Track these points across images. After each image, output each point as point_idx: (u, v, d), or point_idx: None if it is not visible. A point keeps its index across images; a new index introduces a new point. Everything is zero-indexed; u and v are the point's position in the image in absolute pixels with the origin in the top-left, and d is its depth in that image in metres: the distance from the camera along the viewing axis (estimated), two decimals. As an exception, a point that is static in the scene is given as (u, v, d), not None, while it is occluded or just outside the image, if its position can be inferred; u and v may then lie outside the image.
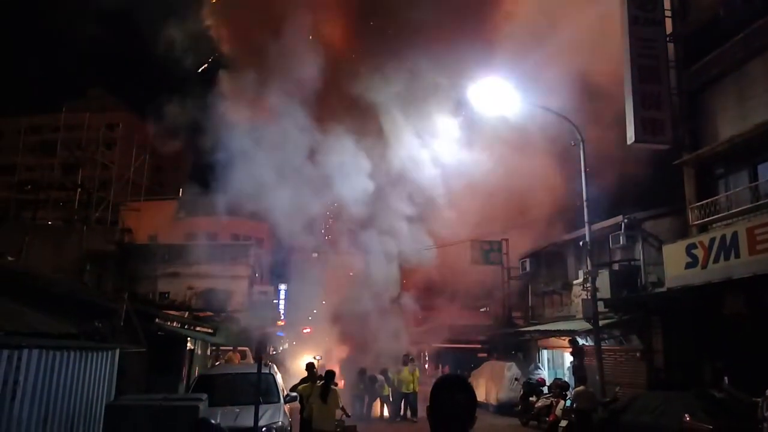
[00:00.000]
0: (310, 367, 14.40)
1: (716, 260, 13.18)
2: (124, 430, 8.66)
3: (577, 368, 19.51)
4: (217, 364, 23.03)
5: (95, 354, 10.91)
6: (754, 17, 13.73)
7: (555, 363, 23.76)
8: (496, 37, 22.38)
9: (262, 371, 12.88)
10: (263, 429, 10.65)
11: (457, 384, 2.72)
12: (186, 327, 18.24)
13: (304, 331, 48.27)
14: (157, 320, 15.52)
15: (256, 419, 10.09)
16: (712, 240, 13.38)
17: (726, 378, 11.23)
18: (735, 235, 12.76)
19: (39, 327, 8.20)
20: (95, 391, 10.66)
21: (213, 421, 9.19)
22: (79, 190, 30.82)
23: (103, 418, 8.81)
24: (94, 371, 10.85)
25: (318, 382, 13.09)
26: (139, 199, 37.99)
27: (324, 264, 32.09)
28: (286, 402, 12.69)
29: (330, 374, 12.95)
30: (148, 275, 33.83)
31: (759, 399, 9.56)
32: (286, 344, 46.27)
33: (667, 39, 16.46)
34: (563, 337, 20.54)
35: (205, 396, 9.86)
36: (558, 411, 16.37)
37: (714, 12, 15.15)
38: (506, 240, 25.77)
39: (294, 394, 13.18)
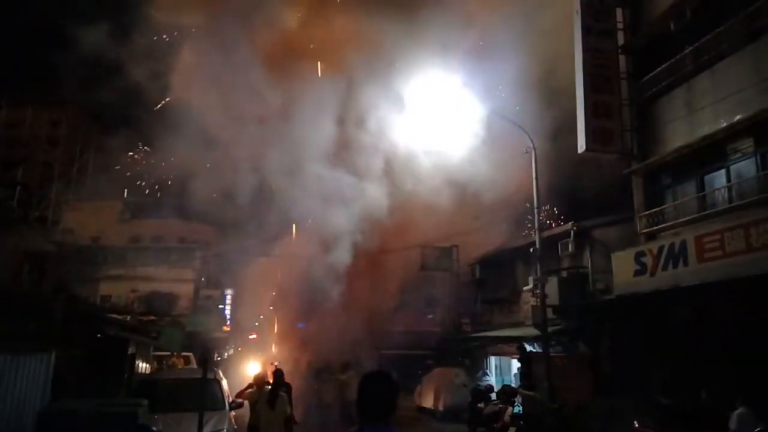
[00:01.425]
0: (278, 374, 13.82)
1: (665, 268, 13.39)
2: (57, 437, 8.09)
3: (525, 374, 19.65)
4: (159, 369, 22.26)
5: (28, 357, 10.31)
6: (703, 32, 14.01)
7: (502, 369, 23.90)
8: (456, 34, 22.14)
9: (207, 377, 12.41)
10: (207, 437, 10.21)
11: (381, 377, 3.28)
12: (127, 330, 17.53)
13: (250, 337, 47.56)
14: (96, 323, 14.83)
15: (201, 426, 9.67)
16: (661, 248, 13.60)
17: (703, 392, 11.35)
18: (683, 243, 12.98)
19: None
20: (27, 396, 10.06)
21: (154, 428, 8.73)
22: (18, 188, 29.53)
23: (34, 426, 8.24)
24: (26, 375, 10.24)
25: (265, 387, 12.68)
26: (82, 199, 36.68)
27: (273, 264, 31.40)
28: (231, 409, 12.24)
29: (278, 376, 12.56)
30: (89, 277, 32.72)
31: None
32: (231, 350, 45.52)
33: (619, 51, 16.72)
34: (511, 344, 20.63)
35: (145, 401, 9.36)
36: (506, 417, 16.31)
37: (664, 26, 15.41)
38: (456, 246, 25.70)
39: (240, 400, 12.73)
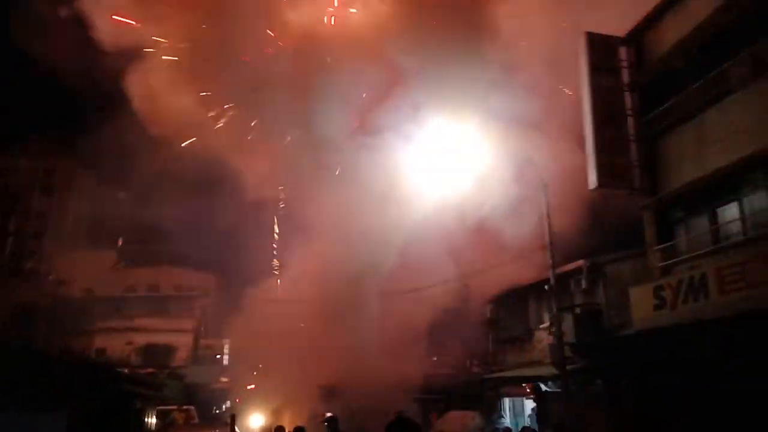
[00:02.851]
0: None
1: (685, 302, 13.23)
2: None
3: (541, 415, 19.28)
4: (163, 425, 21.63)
5: (42, 415, 10.00)
6: (710, 68, 14.14)
7: (516, 410, 23.41)
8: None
9: None
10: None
11: (406, 425, 3.92)
12: (136, 385, 17.10)
13: (249, 387, 46.62)
14: (107, 378, 14.42)
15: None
16: (680, 281, 13.46)
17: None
18: (703, 276, 12.85)
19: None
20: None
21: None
22: (11, 238, 29.11)
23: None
24: (41, 434, 9.91)
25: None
26: (76, 249, 36.15)
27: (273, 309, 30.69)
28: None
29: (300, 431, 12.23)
30: (83, 330, 32.05)
31: None
32: (228, 402, 44.58)
33: (625, 88, 16.82)
34: (525, 384, 20.25)
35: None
36: (527, 461, 15.94)
37: (670, 62, 15.62)
38: (467, 286, 25.34)
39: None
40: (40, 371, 10.69)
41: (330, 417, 11.88)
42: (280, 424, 13.53)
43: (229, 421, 20.57)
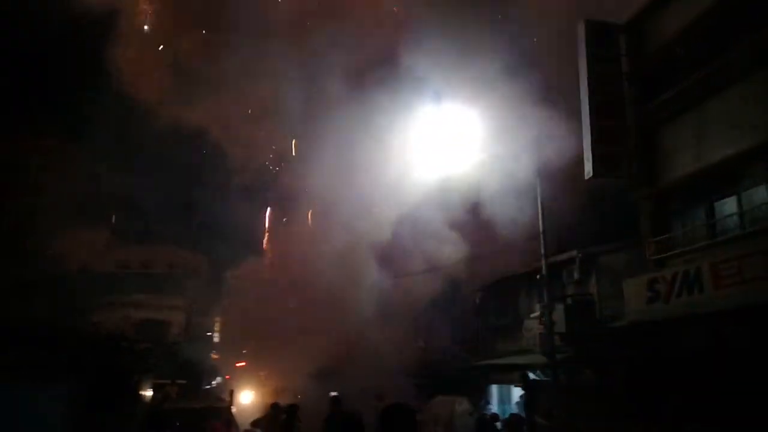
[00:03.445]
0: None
1: (679, 295, 13.37)
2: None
3: (528, 403, 19.49)
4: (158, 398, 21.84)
5: (44, 388, 10.11)
6: (711, 58, 14.08)
7: (503, 397, 23.66)
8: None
9: (220, 405, 12.27)
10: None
11: (402, 409, 3.63)
12: (135, 358, 17.27)
13: (238, 364, 46.90)
14: (108, 351, 14.54)
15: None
16: (675, 275, 13.59)
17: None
18: (698, 270, 12.99)
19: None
20: (46, 428, 9.85)
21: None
22: (9, 217, 29.17)
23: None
24: (44, 406, 10.02)
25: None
26: (70, 227, 36.20)
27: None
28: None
29: (293, 409, 12.39)
30: (79, 306, 32.14)
31: None
32: (219, 378, 44.97)
33: (623, 77, 16.79)
34: (513, 372, 20.44)
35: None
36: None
37: (670, 51, 15.58)
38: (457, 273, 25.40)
39: (258, 430, 12.55)
40: (42, 345, 10.80)
41: (335, 396, 12.05)
42: (274, 401, 13.72)
43: (222, 395, 20.99)
